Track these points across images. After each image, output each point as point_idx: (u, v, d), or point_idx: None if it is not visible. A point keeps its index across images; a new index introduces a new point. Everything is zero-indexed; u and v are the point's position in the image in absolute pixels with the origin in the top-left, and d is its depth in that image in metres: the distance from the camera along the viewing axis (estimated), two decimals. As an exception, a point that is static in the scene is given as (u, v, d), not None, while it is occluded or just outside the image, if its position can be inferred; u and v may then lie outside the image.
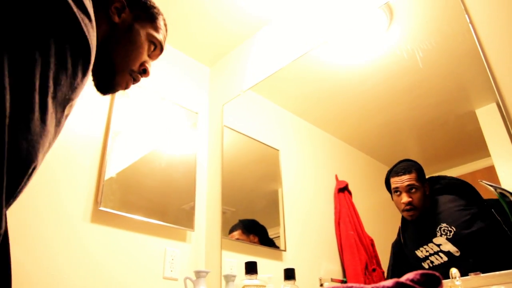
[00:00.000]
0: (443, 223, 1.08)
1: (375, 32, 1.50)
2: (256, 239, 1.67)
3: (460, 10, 1.21)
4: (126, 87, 0.81)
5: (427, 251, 1.10)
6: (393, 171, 1.21)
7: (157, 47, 0.83)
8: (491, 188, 0.86)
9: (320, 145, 1.65)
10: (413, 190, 1.15)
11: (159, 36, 0.83)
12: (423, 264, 1.11)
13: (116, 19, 0.75)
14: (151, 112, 1.83)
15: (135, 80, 0.81)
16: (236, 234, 1.70)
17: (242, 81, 1.98)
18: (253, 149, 1.87)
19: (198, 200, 1.86)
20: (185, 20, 1.94)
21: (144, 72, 0.82)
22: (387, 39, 1.45)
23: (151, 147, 1.77)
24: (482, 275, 0.93)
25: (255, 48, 1.99)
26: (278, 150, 1.76)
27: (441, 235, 1.07)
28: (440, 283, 0.51)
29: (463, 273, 0.92)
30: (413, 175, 1.16)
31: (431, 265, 1.09)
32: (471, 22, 1.17)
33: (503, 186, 0.98)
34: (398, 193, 1.18)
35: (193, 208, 1.80)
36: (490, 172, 1.06)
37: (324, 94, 1.68)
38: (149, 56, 0.83)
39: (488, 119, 1.12)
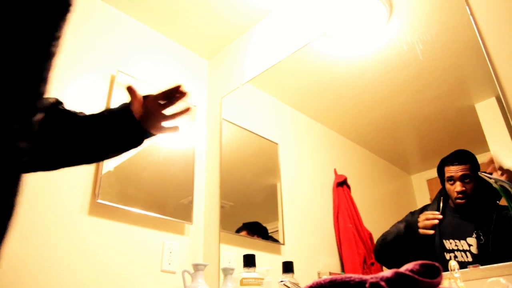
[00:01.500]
0: (480, 229, 1.10)
1: (375, 24, 1.49)
2: (260, 239, 1.68)
3: (461, 2, 1.20)
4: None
5: (456, 245, 1.12)
6: (448, 160, 1.23)
7: None
8: (491, 180, 0.86)
9: (319, 139, 1.65)
10: (467, 180, 1.17)
11: None
12: (445, 254, 1.13)
13: None
14: (149, 105, 1.82)
15: None
16: (242, 234, 1.71)
17: (241, 74, 1.97)
18: (252, 143, 1.86)
19: (197, 193, 1.85)
20: (183, 12, 1.92)
21: None
22: (387, 31, 1.44)
23: (149, 141, 1.75)
24: (480, 267, 0.93)
25: (254, 41, 1.98)
26: (277, 143, 1.75)
27: (475, 237, 1.10)
28: (439, 274, 0.51)
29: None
30: (468, 166, 1.18)
31: (453, 259, 1.11)
32: (471, 14, 1.16)
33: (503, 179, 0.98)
34: (452, 181, 1.20)
35: (191, 201, 1.79)
36: (489, 167, 1.06)
37: (323, 87, 1.67)
38: None
39: (488, 113, 1.12)
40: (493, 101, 1.10)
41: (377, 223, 1.39)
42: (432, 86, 1.31)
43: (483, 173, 0.87)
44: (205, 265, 1.40)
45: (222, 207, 1.77)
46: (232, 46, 2.11)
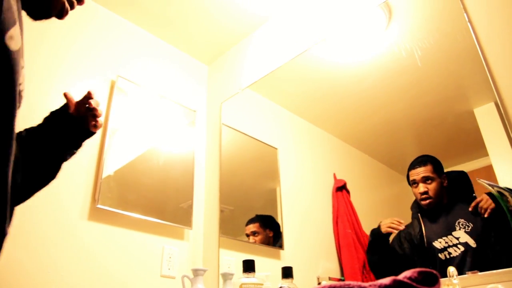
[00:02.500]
0: (461, 218, 1.13)
1: (374, 30, 1.50)
2: (271, 234, 1.66)
3: (459, 9, 1.21)
4: (60, 14, 0.73)
5: (446, 243, 1.14)
6: (411, 165, 1.28)
7: None
8: (489, 187, 0.87)
9: (318, 144, 1.65)
10: (429, 181, 1.21)
11: None
12: (439, 255, 1.14)
13: None
14: (149, 110, 1.83)
15: (71, 6, 0.72)
16: (253, 226, 1.70)
17: (241, 79, 1.98)
18: (252, 148, 1.86)
19: (196, 198, 1.85)
20: (184, 18, 1.94)
21: None
22: (386, 37, 1.45)
23: (149, 145, 1.76)
24: (479, 273, 0.93)
25: (254, 46, 1.99)
26: (276, 148, 1.75)
27: (460, 229, 1.12)
28: (438, 281, 0.51)
29: (479, 265, 0.96)
30: (428, 167, 1.23)
31: (448, 257, 1.13)
32: (469, 21, 1.17)
33: (501, 185, 0.98)
34: (416, 184, 1.24)
35: (191, 206, 1.79)
36: (488, 172, 1.07)
37: (323, 92, 1.68)
38: None
39: (486, 118, 1.12)
40: (491, 106, 1.10)
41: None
42: (431, 91, 1.31)
43: (482, 181, 0.87)
44: (204, 270, 1.40)
45: (221, 211, 1.77)
46: (232, 51, 2.12)
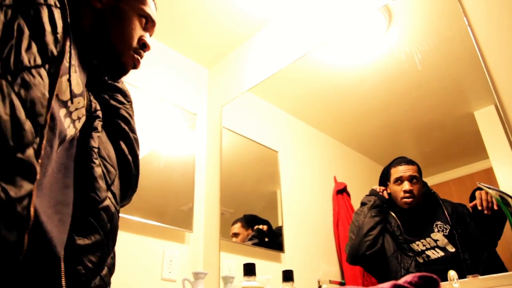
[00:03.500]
0: (438, 220, 1.13)
1: (374, 34, 1.50)
2: (253, 231, 1.67)
3: (459, 13, 1.22)
4: (134, 66, 0.84)
5: (424, 245, 1.13)
6: (395, 162, 1.26)
7: (148, 20, 0.84)
8: (490, 191, 0.87)
9: (319, 147, 1.65)
10: (414, 180, 1.20)
11: (147, 8, 0.83)
12: (417, 258, 1.13)
13: (98, 5, 0.76)
14: (150, 113, 1.83)
15: (140, 56, 0.83)
16: (236, 227, 1.70)
17: (241, 82, 1.98)
18: (252, 151, 1.86)
19: (197, 202, 1.85)
20: (184, 21, 1.94)
21: (144, 46, 0.84)
22: (386, 41, 1.45)
23: (149, 148, 1.76)
24: (480, 277, 0.93)
25: (254, 50, 1.99)
26: (277, 151, 1.76)
27: (438, 231, 1.11)
28: (438, 286, 0.51)
29: (458, 270, 0.94)
30: (415, 167, 1.22)
31: (426, 259, 1.12)
32: (469, 25, 1.18)
33: (501, 189, 0.98)
34: (399, 182, 1.22)
35: (191, 209, 1.80)
36: (489, 174, 1.07)
37: (323, 96, 1.68)
38: (144, 30, 0.84)
39: (487, 121, 1.12)
40: (492, 108, 1.10)
41: (377, 231, 1.39)
42: (431, 94, 1.32)
43: (482, 184, 0.87)
44: (205, 274, 1.40)
45: (222, 214, 1.77)
46: (232, 55, 2.12)
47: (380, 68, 1.46)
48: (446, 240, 1.09)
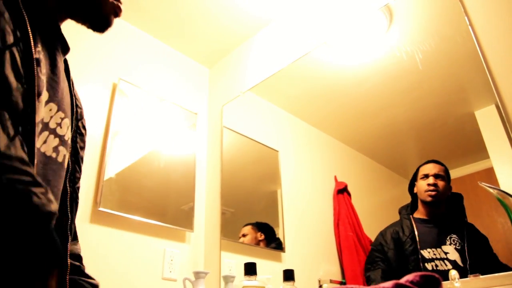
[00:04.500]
0: (454, 234, 1.13)
1: (375, 33, 1.50)
2: (262, 237, 1.67)
3: (460, 12, 1.21)
4: (116, 14, 0.81)
5: (434, 254, 1.14)
6: (424, 163, 1.29)
7: None
8: (491, 190, 0.87)
9: (319, 147, 1.65)
10: (440, 178, 1.22)
11: None
12: (426, 264, 1.14)
13: None
14: (151, 113, 1.83)
15: (119, 2, 0.81)
16: (245, 229, 1.71)
17: (242, 82, 1.98)
18: (253, 150, 1.86)
19: (198, 201, 1.86)
20: (185, 21, 1.94)
21: None
22: (387, 40, 1.45)
23: (150, 148, 1.76)
24: (481, 277, 0.93)
25: (255, 49, 1.99)
26: (277, 151, 1.76)
27: (450, 244, 1.12)
28: (439, 285, 0.51)
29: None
30: (443, 168, 1.24)
31: (434, 268, 1.12)
32: (470, 24, 1.18)
33: (502, 188, 0.98)
34: (425, 178, 1.25)
35: (192, 208, 1.80)
36: (489, 174, 1.07)
37: (324, 95, 1.68)
38: None
39: (487, 121, 1.12)
40: (492, 108, 1.10)
41: (378, 230, 1.39)
42: (432, 94, 1.31)
43: (483, 184, 0.87)
44: (206, 273, 1.40)
45: (223, 213, 1.77)
46: (233, 54, 2.12)
47: (381, 67, 1.46)
48: (457, 254, 1.10)
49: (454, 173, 1.20)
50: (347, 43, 1.60)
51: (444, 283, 0.58)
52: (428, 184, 1.23)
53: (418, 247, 1.19)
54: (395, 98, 1.42)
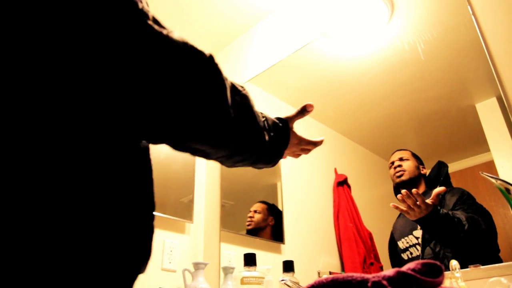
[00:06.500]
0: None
1: (376, 23, 1.49)
2: (273, 223, 1.65)
3: (463, 2, 1.20)
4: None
5: (407, 243, 1.14)
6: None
7: None
8: (492, 180, 0.87)
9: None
10: (404, 160, 1.25)
11: None
12: (402, 255, 1.15)
13: None
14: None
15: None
16: (259, 205, 1.68)
17: (241, 73, 1.97)
18: (252, 142, 1.86)
19: (197, 192, 1.85)
20: (185, 11, 1.92)
21: None
22: (388, 31, 1.44)
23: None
24: (482, 267, 0.93)
25: (255, 40, 1.98)
26: (277, 143, 1.75)
27: (420, 229, 1.11)
28: (441, 273, 0.51)
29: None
30: (407, 152, 1.27)
31: (410, 256, 1.13)
32: (473, 14, 1.16)
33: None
34: (391, 165, 1.28)
35: (191, 200, 1.79)
36: (490, 167, 1.06)
37: (324, 86, 1.67)
38: None
39: (488, 113, 1.12)
40: (494, 101, 1.10)
41: (377, 222, 1.39)
42: (433, 86, 1.31)
43: (485, 174, 0.87)
44: (205, 264, 1.40)
45: (222, 206, 1.77)
46: (233, 45, 2.11)
47: (382, 58, 1.45)
48: (423, 240, 1.10)
49: (454, 166, 1.19)
50: (348, 33, 1.59)
51: (445, 273, 0.57)
52: (394, 168, 1.26)
53: (395, 239, 1.19)
54: (396, 90, 1.41)
